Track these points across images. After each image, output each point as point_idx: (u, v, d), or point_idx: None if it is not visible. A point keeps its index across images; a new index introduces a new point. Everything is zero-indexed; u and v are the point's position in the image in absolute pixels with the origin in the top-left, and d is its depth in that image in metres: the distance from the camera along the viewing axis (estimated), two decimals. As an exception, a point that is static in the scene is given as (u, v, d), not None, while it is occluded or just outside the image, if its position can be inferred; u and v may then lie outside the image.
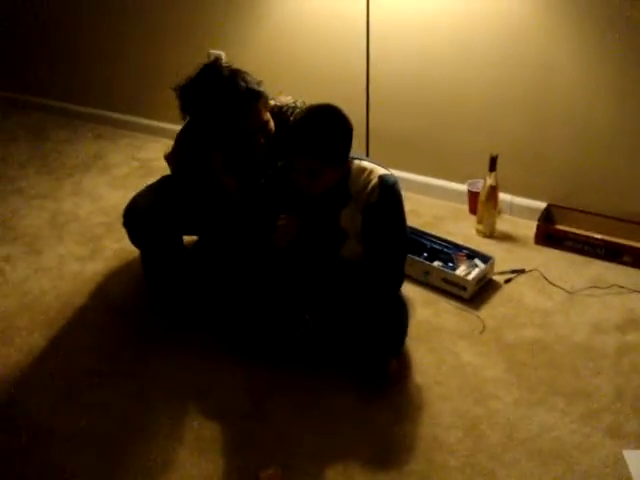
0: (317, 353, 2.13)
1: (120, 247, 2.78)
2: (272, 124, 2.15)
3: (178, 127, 3.57)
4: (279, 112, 2.23)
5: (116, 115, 3.86)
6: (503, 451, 1.86)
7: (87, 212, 3.07)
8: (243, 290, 2.20)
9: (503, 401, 2.01)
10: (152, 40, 3.55)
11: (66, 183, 3.33)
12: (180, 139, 2.33)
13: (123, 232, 2.77)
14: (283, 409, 2.02)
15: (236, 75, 2.10)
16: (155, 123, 3.71)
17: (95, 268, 2.69)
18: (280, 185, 2.09)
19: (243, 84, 2.07)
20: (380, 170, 2.04)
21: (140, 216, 2.25)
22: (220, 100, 2.06)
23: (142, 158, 3.46)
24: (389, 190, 2.01)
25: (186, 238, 2.49)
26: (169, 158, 2.34)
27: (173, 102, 3.56)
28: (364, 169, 2.05)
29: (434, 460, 1.84)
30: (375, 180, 2.02)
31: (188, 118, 2.24)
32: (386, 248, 2.05)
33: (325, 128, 1.91)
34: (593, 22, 2.40)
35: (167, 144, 3.43)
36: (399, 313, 2.14)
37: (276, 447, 1.91)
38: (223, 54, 3.29)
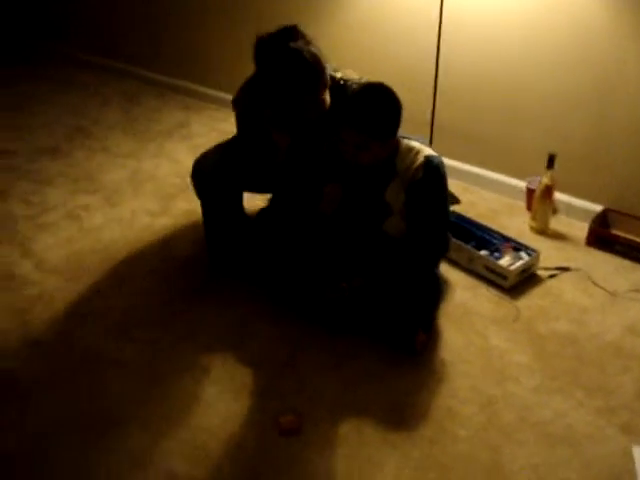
0: (351, 318, 2.25)
1: (190, 208, 2.98)
2: (328, 100, 2.24)
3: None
4: (343, 85, 2.30)
5: (203, 89, 4.09)
6: (513, 430, 1.92)
7: (164, 173, 3.30)
8: (291, 251, 2.34)
9: (523, 385, 2.07)
10: (236, 24, 3.74)
11: (149, 146, 3.57)
12: (246, 85, 2.44)
13: (194, 195, 2.99)
14: (312, 363, 2.15)
15: (306, 51, 2.15)
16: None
17: (164, 223, 2.90)
18: (333, 157, 2.22)
19: (313, 65, 2.13)
20: (427, 150, 2.14)
21: (206, 169, 2.43)
22: (282, 71, 2.15)
23: (222, 129, 3.65)
24: (434, 170, 2.11)
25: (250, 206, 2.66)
26: (235, 102, 2.47)
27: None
28: (412, 148, 2.14)
29: (445, 428, 1.92)
30: (421, 160, 2.11)
31: None
32: (427, 224, 2.15)
33: (375, 105, 2.02)
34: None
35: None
36: (433, 289, 2.23)
37: (299, 395, 2.03)
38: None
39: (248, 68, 3.84)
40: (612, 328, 2.28)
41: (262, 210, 2.63)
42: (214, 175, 2.41)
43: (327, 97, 2.24)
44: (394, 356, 2.17)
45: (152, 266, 2.64)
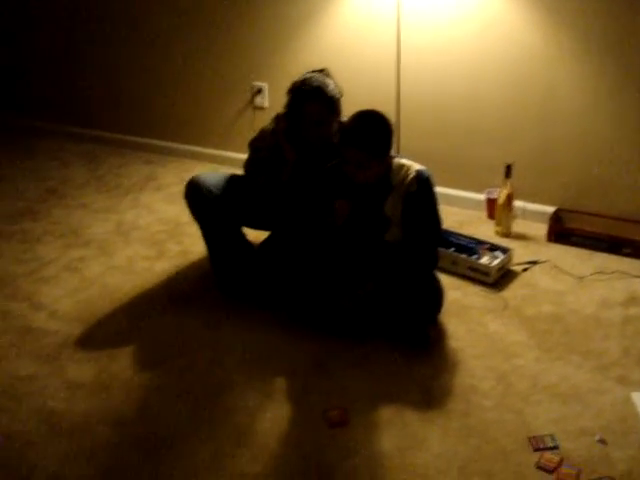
0: (367, 322, 2.50)
1: (182, 249, 3.18)
2: (333, 129, 2.57)
3: (222, 152, 4.03)
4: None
5: (163, 143, 4.28)
6: (529, 395, 2.21)
7: (147, 222, 3.47)
8: (306, 269, 2.59)
9: (526, 359, 2.38)
10: (192, 76, 4.00)
11: (125, 199, 3.74)
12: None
13: (183, 237, 3.20)
14: (340, 366, 2.38)
15: (321, 79, 2.57)
16: (199, 149, 4.14)
17: (162, 266, 3.07)
18: (335, 179, 2.49)
19: (315, 84, 2.53)
20: (416, 165, 2.45)
21: (202, 186, 2.70)
22: (293, 90, 2.57)
23: (191, 179, 3.85)
24: (425, 181, 2.42)
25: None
26: (251, 143, 2.75)
27: (216, 129, 4.05)
28: (403, 165, 2.45)
29: (471, 401, 2.20)
30: (413, 173, 2.42)
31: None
32: (424, 229, 2.45)
33: (372, 126, 2.33)
34: (591, 48, 2.85)
35: (214, 167, 3.91)
36: (435, 287, 2.51)
37: (337, 394, 2.26)
38: (266, 85, 3.74)
39: (206, 120, 4.11)
40: (587, 304, 2.64)
41: (266, 239, 2.87)
42: (210, 187, 2.68)
43: (333, 125, 2.54)
44: (410, 350, 2.43)
45: (163, 304, 2.80)
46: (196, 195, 2.70)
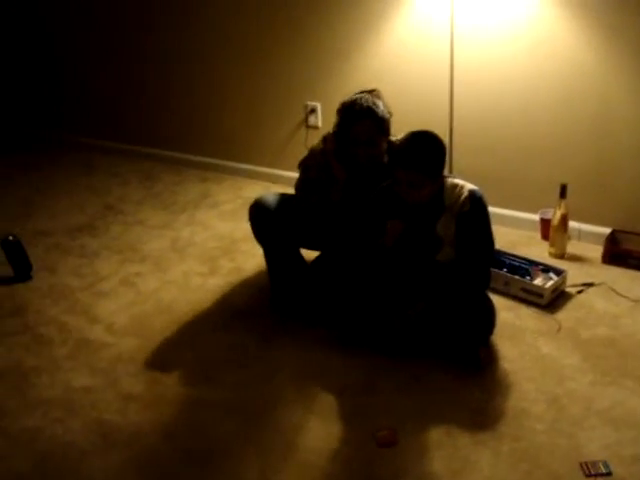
0: (418, 342, 2.50)
1: (236, 266, 3.23)
2: (382, 149, 2.60)
3: (275, 171, 4.11)
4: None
5: (217, 161, 4.37)
6: (582, 419, 2.17)
7: (202, 239, 3.54)
8: (356, 289, 2.60)
9: (580, 382, 2.33)
10: (251, 93, 4.08)
11: (181, 216, 3.82)
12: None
13: (237, 254, 3.25)
14: (390, 386, 2.38)
15: (370, 99, 2.57)
16: (253, 167, 4.21)
17: (216, 282, 3.12)
18: (388, 199, 2.51)
19: (365, 104, 2.54)
20: (469, 185, 2.45)
21: (266, 208, 2.72)
22: (343, 110, 2.59)
23: (246, 196, 3.91)
24: (478, 201, 2.42)
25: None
26: (300, 163, 2.78)
27: (269, 148, 4.12)
28: (456, 185, 2.45)
29: (523, 425, 2.17)
30: (466, 193, 2.42)
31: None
32: (476, 250, 2.44)
33: (425, 147, 2.34)
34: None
35: (267, 186, 3.97)
36: (487, 308, 2.49)
37: (387, 415, 2.25)
38: (319, 105, 3.78)
39: (260, 139, 4.17)
40: (644, 328, 2.59)
41: (317, 258, 2.90)
42: (273, 214, 2.70)
43: (384, 146, 2.56)
44: (461, 371, 2.42)
45: (216, 320, 2.85)
46: (261, 217, 2.74)
